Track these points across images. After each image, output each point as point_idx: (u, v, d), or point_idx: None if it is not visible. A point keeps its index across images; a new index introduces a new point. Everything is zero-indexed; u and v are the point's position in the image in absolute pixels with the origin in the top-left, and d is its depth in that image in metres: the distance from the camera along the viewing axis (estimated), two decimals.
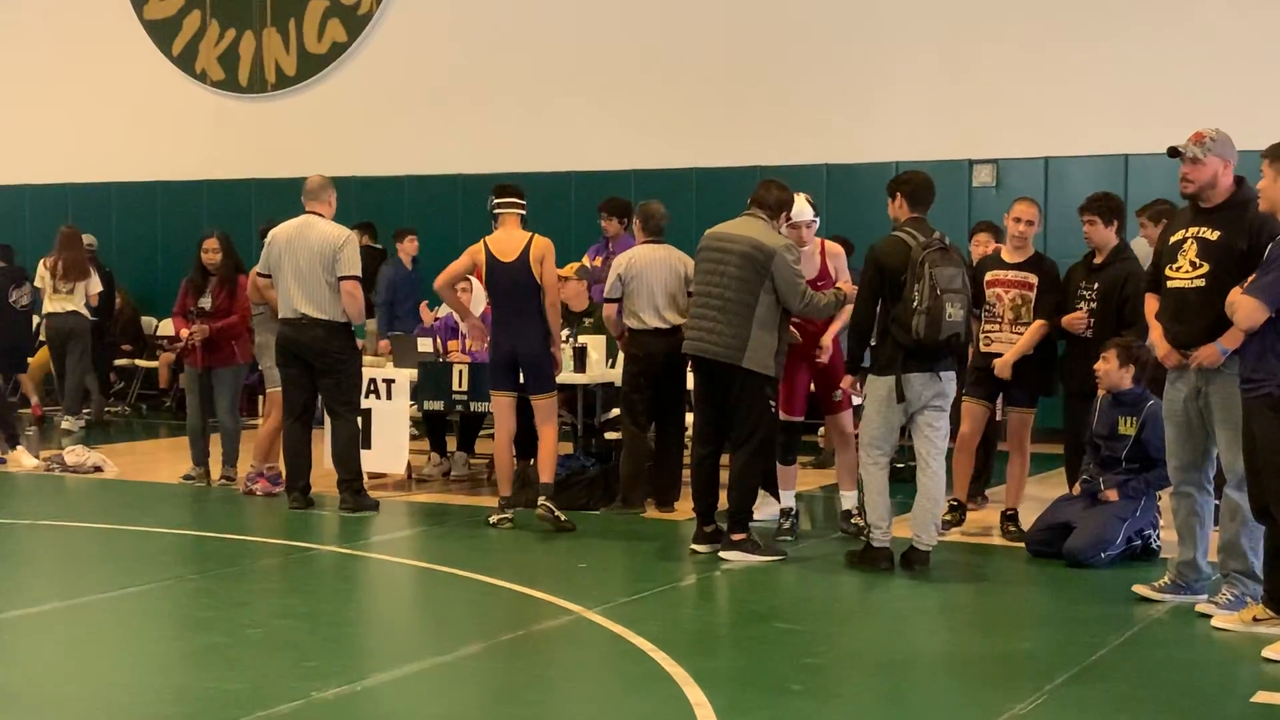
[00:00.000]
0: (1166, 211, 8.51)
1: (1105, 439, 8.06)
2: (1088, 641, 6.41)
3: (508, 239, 9.15)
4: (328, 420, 10.55)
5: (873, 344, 7.91)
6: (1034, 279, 8.62)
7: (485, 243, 9.20)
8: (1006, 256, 8.76)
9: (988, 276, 8.70)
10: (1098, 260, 8.43)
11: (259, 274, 9.92)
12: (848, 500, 8.80)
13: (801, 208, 8.42)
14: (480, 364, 10.16)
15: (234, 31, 17.01)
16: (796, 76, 14.47)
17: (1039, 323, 8.55)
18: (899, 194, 7.88)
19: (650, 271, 9.43)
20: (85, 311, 13.86)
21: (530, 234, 9.18)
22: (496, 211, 9.30)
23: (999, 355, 8.60)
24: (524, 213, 9.30)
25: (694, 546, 8.27)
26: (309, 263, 9.44)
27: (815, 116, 14.32)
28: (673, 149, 14.72)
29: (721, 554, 8.13)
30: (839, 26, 14.33)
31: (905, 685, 5.96)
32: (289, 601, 7.32)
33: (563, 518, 8.92)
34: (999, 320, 8.66)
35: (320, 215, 9.66)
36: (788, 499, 8.70)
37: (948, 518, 8.81)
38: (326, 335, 9.47)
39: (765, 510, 8.79)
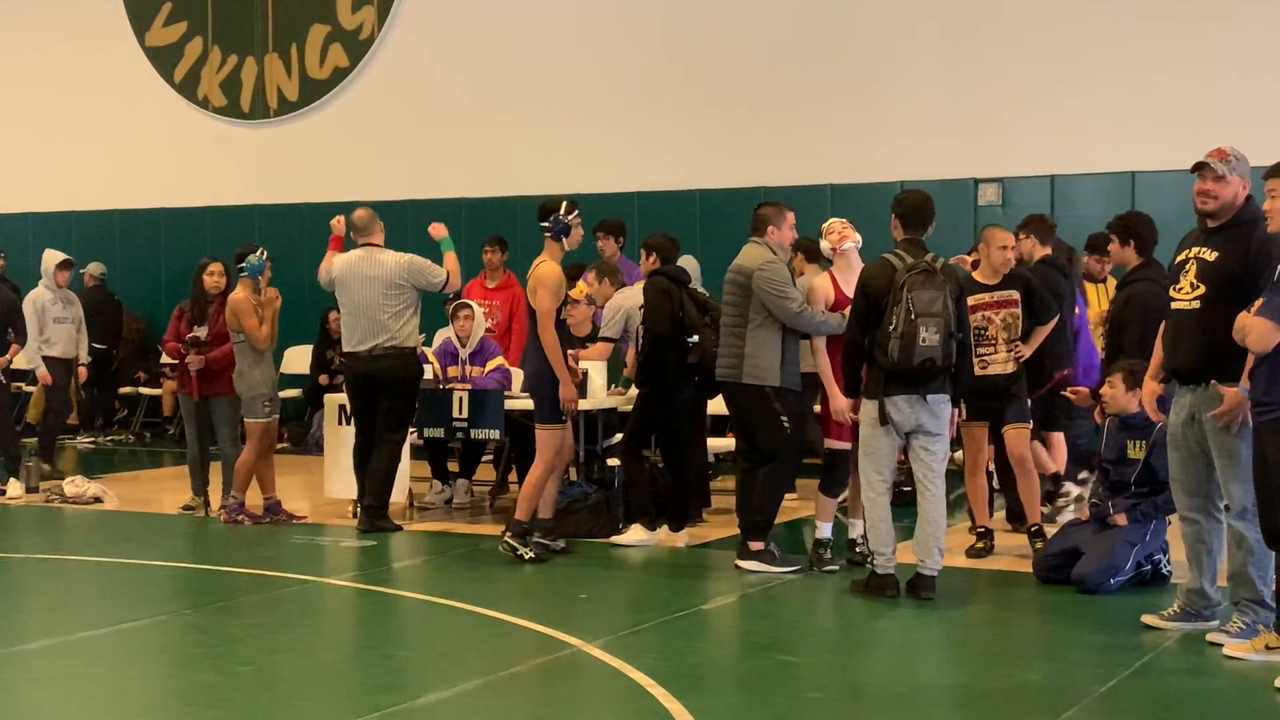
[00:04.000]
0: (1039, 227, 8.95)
1: (1114, 463, 7.93)
2: (1098, 672, 6.28)
3: (532, 265, 8.89)
4: (327, 448, 10.56)
5: None
6: (1017, 295, 8.63)
7: None
8: (983, 279, 8.69)
9: (970, 301, 8.57)
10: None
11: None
12: (855, 528, 8.68)
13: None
14: (480, 391, 10.08)
15: (236, 58, 16.95)
16: (800, 97, 14.36)
17: (1044, 327, 8.66)
18: (894, 215, 7.95)
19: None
20: None
21: (539, 260, 8.85)
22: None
23: (996, 377, 8.57)
24: (547, 235, 8.84)
25: (738, 563, 8.40)
26: (373, 292, 9.69)
27: (819, 137, 14.20)
28: (677, 171, 14.62)
29: (738, 562, 8.30)
30: (842, 47, 14.22)
31: None
32: (283, 637, 7.18)
33: (526, 555, 8.65)
34: (993, 343, 8.61)
35: (378, 245, 9.91)
36: (824, 530, 8.55)
37: (979, 545, 8.70)
38: (392, 365, 9.70)
39: (633, 535, 9.18)
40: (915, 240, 7.78)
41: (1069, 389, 8.80)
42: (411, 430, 10.20)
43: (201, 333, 10.40)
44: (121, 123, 17.46)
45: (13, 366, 12.13)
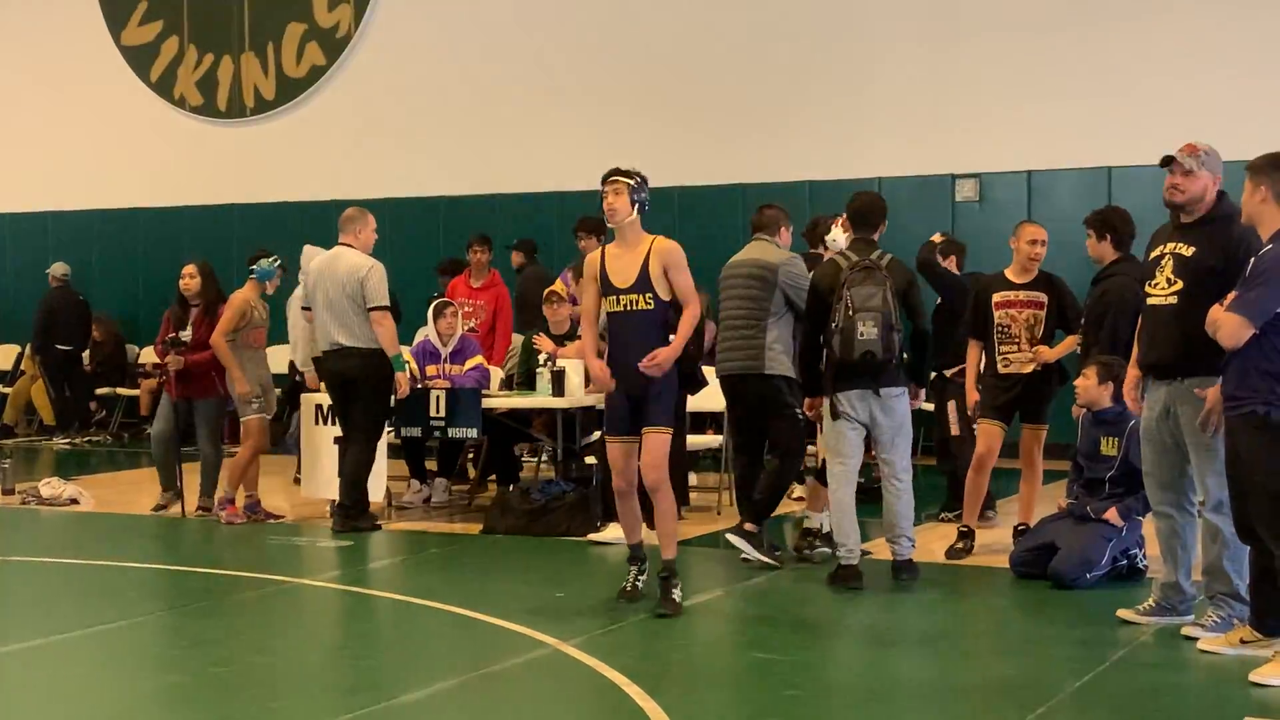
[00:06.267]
0: None
1: (1088, 459, 7.94)
2: (1073, 667, 6.28)
3: None
4: (304, 448, 10.54)
5: None
6: (1044, 297, 8.62)
7: None
8: (1013, 277, 8.71)
9: (996, 298, 8.64)
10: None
11: (302, 307, 10.33)
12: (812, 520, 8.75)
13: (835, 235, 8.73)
14: (457, 390, 10.06)
15: (212, 56, 16.90)
16: (779, 94, 14.37)
17: (1073, 337, 8.62)
18: (845, 216, 8.24)
19: None
20: None
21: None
22: None
23: (1017, 375, 8.56)
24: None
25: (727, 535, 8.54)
26: (337, 293, 9.70)
27: (798, 134, 14.21)
28: (654, 168, 14.34)
29: (728, 535, 8.47)
30: (820, 44, 14.24)
31: (887, 717, 5.83)
32: (258, 638, 7.16)
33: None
34: (1015, 341, 8.61)
35: (350, 246, 9.89)
36: (815, 520, 8.66)
37: (959, 546, 8.67)
38: (363, 363, 9.68)
39: (611, 533, 8.99)
40: (864, 239, 8.03)
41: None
42: (389, 429, 10.19)
43: (185, 335, 10.38)
44: (98, 122, 17.40)
45: None
